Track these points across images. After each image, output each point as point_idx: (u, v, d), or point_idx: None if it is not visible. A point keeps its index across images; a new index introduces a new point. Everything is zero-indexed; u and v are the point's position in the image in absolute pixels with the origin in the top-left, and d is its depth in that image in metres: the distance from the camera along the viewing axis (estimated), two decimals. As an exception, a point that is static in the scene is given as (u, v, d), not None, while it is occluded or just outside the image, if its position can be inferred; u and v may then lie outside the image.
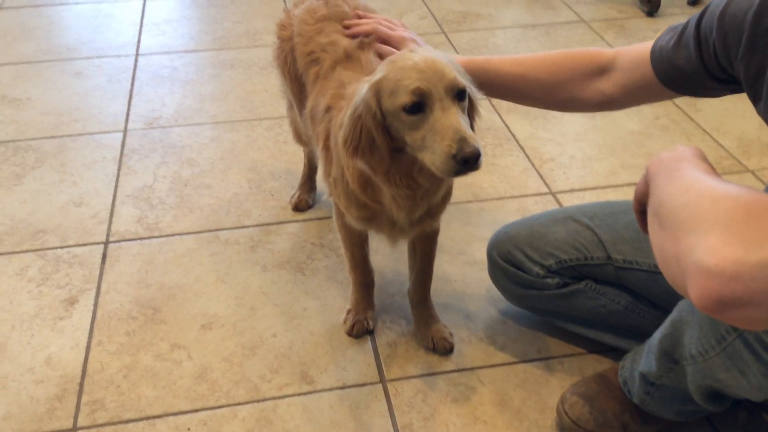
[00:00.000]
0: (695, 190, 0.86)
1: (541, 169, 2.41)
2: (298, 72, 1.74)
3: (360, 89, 1.35)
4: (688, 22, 1.33)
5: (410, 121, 1.29)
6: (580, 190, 2.32)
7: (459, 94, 1.30)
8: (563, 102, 1.56)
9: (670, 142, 2.54)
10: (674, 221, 0.85)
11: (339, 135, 1.37)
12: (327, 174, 1.58)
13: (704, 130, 2.61)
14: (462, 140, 1.24)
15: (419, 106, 1.27)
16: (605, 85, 1.48)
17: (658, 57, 1.38)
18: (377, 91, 1.31)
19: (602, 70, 1.48)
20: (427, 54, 1.32)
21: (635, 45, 1.48)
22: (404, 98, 1.27)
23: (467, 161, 1.24)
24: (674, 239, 0.84)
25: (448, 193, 1.57)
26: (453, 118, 1.26)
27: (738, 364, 1.17)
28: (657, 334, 1.35)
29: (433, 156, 1.27)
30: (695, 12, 1.38)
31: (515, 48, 3.20)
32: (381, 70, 1.33)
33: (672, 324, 1.30)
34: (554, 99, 1.55)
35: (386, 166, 1.36)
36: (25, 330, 1.81)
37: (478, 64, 1.52)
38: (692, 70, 1.31)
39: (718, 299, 0.76)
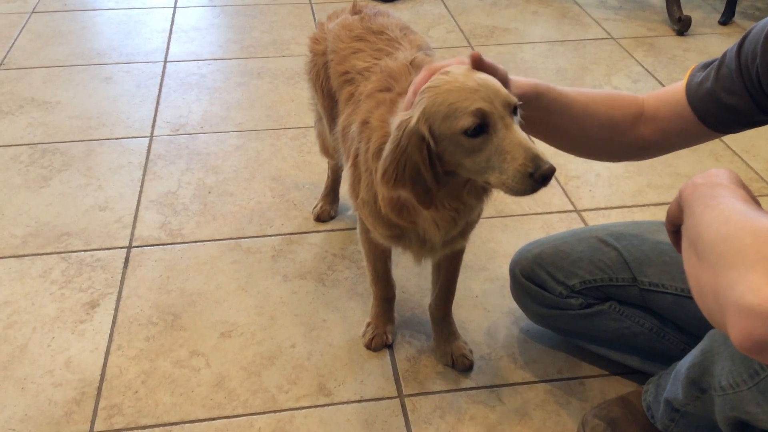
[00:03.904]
0: (734, 221, 0.84)
1: (566, 187, 2.39)
2: (332, 88, 1.72)
3: (399, 120, 1.27)
4: (724, 55, 1.29)
5: (471, 144, 1.23)
6: (605, 208, 2.30)
7: (514, 110, 1.25)
8: (618, 147, 1.47)
9: (698, 162, 2.51)
10: (712, 254, 0.83)
11: (378, 166, 1.31)
12: (354, 193, 1.55)
13: (734, 152, 2.57)
14: (536, 158, 1.19)
15: (481, 127, 1.21)
16: (643, 130, 1.42)
17: (695, 95, 1.33)
18: (427, 118, 1.24)
19: (641, 113, 1.43)
20: (473, 72, 1.24)
21: (663, 89, 1.42)
22: (464, 121, 1.20)
23: (546, 178, 1.21)
24: (713, 273, 0.81)
25: (481, 210, 1.54)
26: (520, 135, 1.21)
27: None
28: (685, 362, 1.32)
29: (504, 176, 1.22)
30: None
31: (543, 64, 3.18)
32: (423, 99, 1.25)
33: (702, 353, 1.27)
34: (611, 142, 1.46)
35: (431, 197, 1.30)
36: (46, 332, 1.82)
37: (546, 87, 1.40)
38: (738, 103, 1.26)
39: (759, 341, 0.74)
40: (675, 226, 1.15)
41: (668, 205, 1.15)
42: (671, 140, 1.44)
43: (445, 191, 1.33)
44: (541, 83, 1.39)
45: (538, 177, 1.20)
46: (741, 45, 1.26)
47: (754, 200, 0.97)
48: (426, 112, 1.24)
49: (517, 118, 1.26)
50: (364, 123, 1.44)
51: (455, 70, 1.26)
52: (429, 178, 1.27)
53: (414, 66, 1.50)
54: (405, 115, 1.27)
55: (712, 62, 1.34)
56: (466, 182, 1.34)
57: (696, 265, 0.88)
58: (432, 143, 1.25)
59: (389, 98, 1.42)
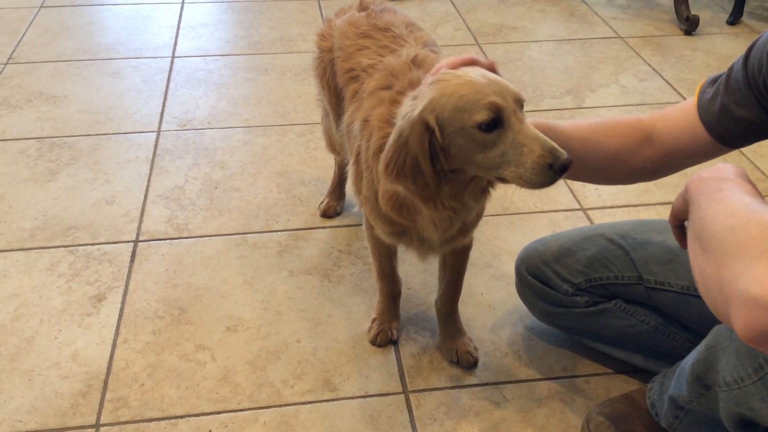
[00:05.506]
0: (740, 214, 0.84)
1: (572, 185, 2.39)
2: (338, 85, 1.72)
3: (405, 113, 1.28)
4: (731, 68, 1.29)
5: (485, 139, 1.23)
6: (611, 207, 2.30)
7: (522, 106, 1.26)
8: (623, 174, 1.47)
9: (705, 162, 2.50)
10: (718, 246, 0.83)
11: (381, 158, 1.31)
12: (357, 189, 1.56)
13: (740, 151, 2.57)
14: (553, 149, 1.21)
15: (496, 122, 1.22)
16: (650, 153, 1.42)
17: (707, 113, 1.32)
18: (434, 108, 1.24)
19: (646, 137, 1.42)
20: (481, 71, 1.26)
21: (669, 108, 1.41)
22: (479, 115, 1.21)
23: (565, 168, 1.21)
24: (718, 265, 0.82)
25: (481, 209, 1.55)
26: (533, 128, 1.23)
27: None
28: (689, 358, 1.32)
29: (521, 169, 1.22)
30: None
31: (550, 62, 3.18)
32: (430, 91, 1.25)
33: (707, 349, 1.27)
34: (614, 170, 1.46)
35: (430, 192, 1.30)
36: (53, 325, 1.83)
37: (547, 126, 1.39)
38: (750, 115, 1.26)
39: (763, 331, 0.74)
40: (679, 221, 1.16)
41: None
42: (681, 161, 1.42)
43: (447, 189, 1.33)
44: (541, 122, 1.37)
45: (557, 167, 1.20)
46: (747, 56, 1.26)
47: (760, 195, 0.97)
48: (434, 102, 1.24)
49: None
50: (365, 121, 1.45)
51: (467, 69, 1.27)
52: (427, 171, 1.27)
53: (416, 63, 1.51)
54: (410, 106, 1.28)
55: (719, 77, 1.34)
56: (470, 181, 1.34)
57: (701, 257, 0.88)
58: (438, 134, 1.25)
59: (389, 96, 1.42)
